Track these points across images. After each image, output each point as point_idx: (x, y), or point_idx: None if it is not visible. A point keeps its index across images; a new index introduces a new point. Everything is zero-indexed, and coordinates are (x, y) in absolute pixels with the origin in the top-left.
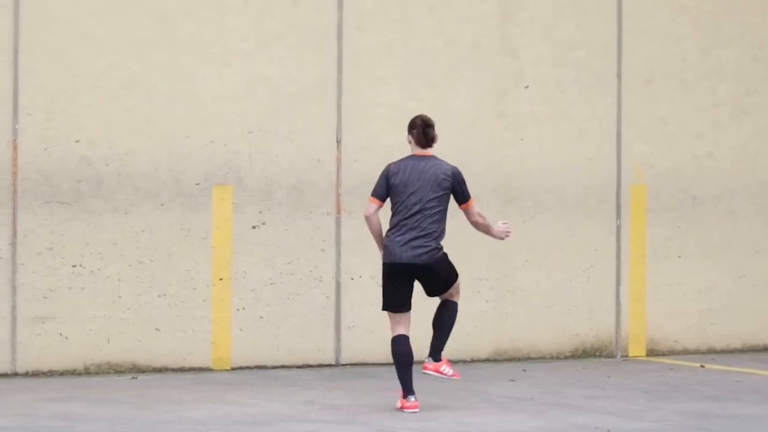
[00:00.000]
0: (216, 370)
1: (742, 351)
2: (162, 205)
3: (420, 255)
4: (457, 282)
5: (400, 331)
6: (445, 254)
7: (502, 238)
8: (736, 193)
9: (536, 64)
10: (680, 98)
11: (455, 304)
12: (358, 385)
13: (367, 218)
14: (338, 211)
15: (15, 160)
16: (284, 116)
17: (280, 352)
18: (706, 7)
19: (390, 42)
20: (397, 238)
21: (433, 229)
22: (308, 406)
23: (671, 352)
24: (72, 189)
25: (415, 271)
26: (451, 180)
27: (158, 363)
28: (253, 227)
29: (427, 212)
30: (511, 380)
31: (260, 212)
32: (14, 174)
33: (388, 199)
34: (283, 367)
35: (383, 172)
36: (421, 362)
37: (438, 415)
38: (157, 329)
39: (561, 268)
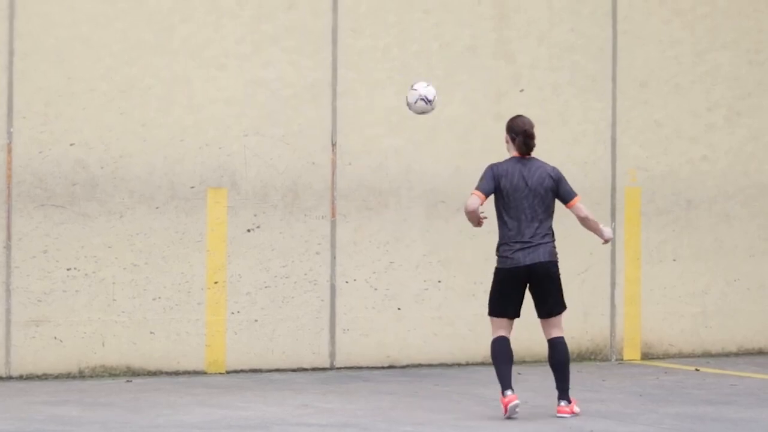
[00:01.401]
0: (210, 374)
1: (737, 354)
2: (157, 208)
3: (540, 255)
4: (563, 311)
5: (502, 333)
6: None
7: (607, 241)
8: (731, 197)
9: (532, 67)
10: (675, 102)
11: (562, 341)
12: (353, 389)
13: (471, 212)
14: (333, 215)
15: (9, 163)
16: (279, 119)
17: (274, 355)
18: (701, 10)
19: (385, 45)
20: (514, 244)
21: (546, 232)
22: (302, 409)
23: (666, 356)
24: (67, 192)
25: (534, 273)
26: (555, 181)
27: (153, 366)
28: (248, 230)
29: (539, 215)
30: None
31: (255, 215)
32: (8, 177)
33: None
34: (277, 370)
35: (489, 172)
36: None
37: (433, 419)
38: (151, 332)
39: None
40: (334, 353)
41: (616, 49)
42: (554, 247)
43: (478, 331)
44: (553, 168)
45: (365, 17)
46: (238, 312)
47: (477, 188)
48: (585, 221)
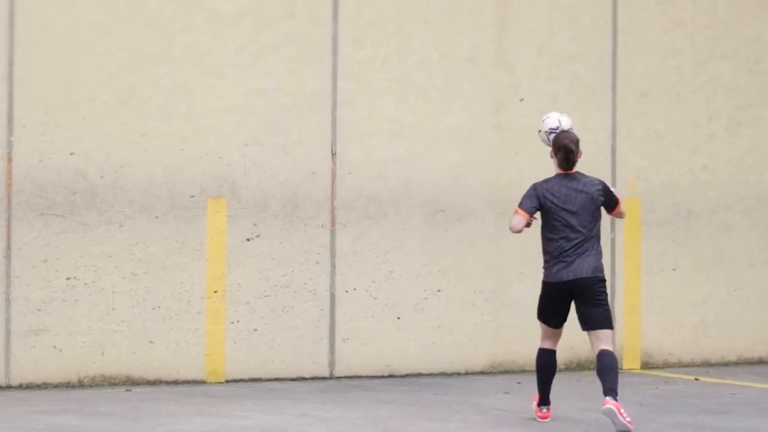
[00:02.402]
0: (210, 383)
1: (736, 364)
2: (156, 217)
3: (584, 270)
4: (611, 328)
5: (547, 345)
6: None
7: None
8: (731, 207)
9: (531, 77)
10: (675, 111)
11: (609, 352)
12: (353, 398)
13: (516, 232)
14: (333, 224)
15: (9, 171)
16: (279, 129)
17: (274, 364)
18: (702, 21)
19: (385, 55)
20: (564, 259)
21: (595, 246)
22: (302, 418)
23: (666, 365)
24: (67, 201)
25: (578, 287)
26: (603, 194)
27: (152, 375)
28: (248, 240)
29: (589, 232)
30: (506, 393)
31: (255, 224)
32: (8, 186)
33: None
34: (277, 379)
35: (534, 191)
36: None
37: (432, 428)
38: (151, 341)
39: None
40: (333, 362)
41: (616, 58)
42: (599, 262)
43: (478, 340)
44: (600, 181)
45: (365, 27)
46: (238, 321)
47: (520, 206)
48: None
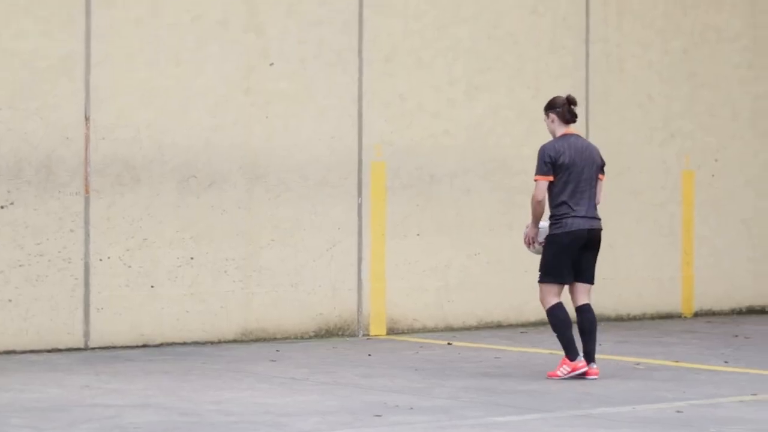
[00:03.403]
0: None
1: (477, 328)
2: None
3: (596, 223)
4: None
5: (556, 300)
6: None
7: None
8: (471, 171)
9: (281, 40)
10: (418, 76)
11: (590, 307)
12: (122, 369)
13: (540, 202)
14: (87, 191)
15: None
16: (33, 92)
17: (29, 336)
18: None
19: (138, 17)
20: (577, 210)
21: (596, 201)
22: (88, 390)
23: (411, 331)
24: None
25: (592, 238)
26: (600, 158)
27: None
28: (2, 207)
29: (592, 188)
30: (273, 360)
31: (9, 191)
32: None
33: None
34: (32, 351)
35: (545, 154)
36: None
37: (227, 396)
38: None
39: (305, 247)
40: (88, 333)
41: (362, 22)
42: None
43: (230, 308)
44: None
45: None
46: None
47: (539, 173)
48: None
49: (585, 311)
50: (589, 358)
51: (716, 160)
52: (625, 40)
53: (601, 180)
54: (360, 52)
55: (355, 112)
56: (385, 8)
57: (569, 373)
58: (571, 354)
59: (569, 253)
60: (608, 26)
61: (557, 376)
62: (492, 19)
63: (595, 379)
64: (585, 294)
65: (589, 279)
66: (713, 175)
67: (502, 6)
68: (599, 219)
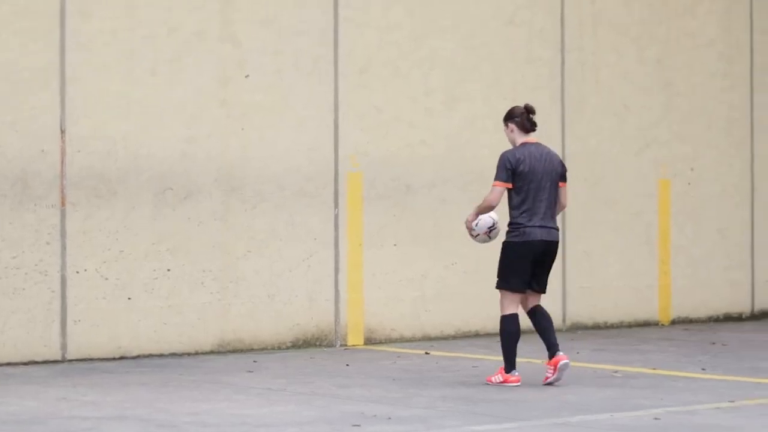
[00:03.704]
0: None
1: (455, 337)
2: None
3: (553, 234)
4: None
5: (515, 310)
6: None
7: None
8: (448, 181)
9: (257, 51)
10: (394, 86)
11: (540, 306)
12: (99, 381)
13: (493, 207)
14: (63, 203)
15: None
16: (9, 105)
17: (6, 348)
18: None
19: (113, 29)
20: (535, 219)
21: (553, 211)
22: (65, 402)
23: (389, 340)
24: None
25: (548, 249)
26: (561, 165)
27: None
28: None
29: (551, 197)
30: (250, 371)
31: None
32: None
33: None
34: (9, 364)
35: (505, 161)
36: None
37: (204, 408)
38: None
39: (282, 258)
40: (65, 345)
41: (338, 34)
42: (557, 228)
43: (206, 319)
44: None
45: (94, 0)
46: None
47: (498, 179)
48: (561, 206)
49: (537, 312)
50: (556, 347)
51: (692, 169)
52: (600, 48)
53: (562, 187)
54: (336, 62)
55: (332, 122)
56: (361, 19)
57: (501, 383)
58: (508, 366)
59: (526, 262)
60: (583, 35)
61: (491, 381)
62: (468, 30)
63: (566, 362)
64: (536, 299)
65: (543, 288)
66: (689, 184)
67: (478, 17)
68: (557, 229)
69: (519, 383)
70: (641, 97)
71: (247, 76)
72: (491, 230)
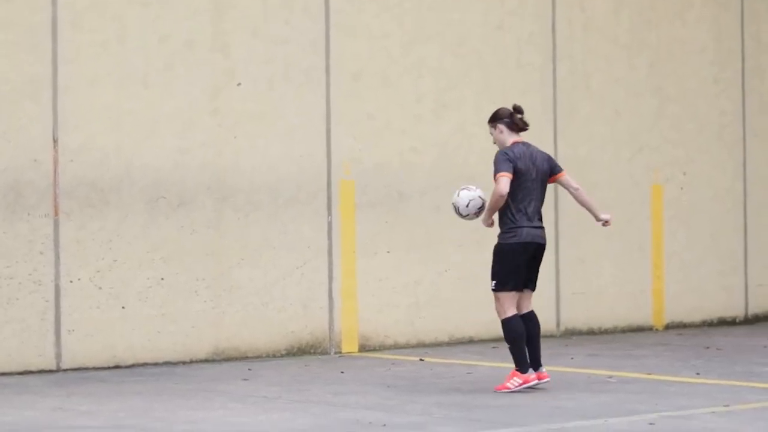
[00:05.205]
0: None
1: (449, 344)
2: None
3: (543, 234)
4: None
5: (515, 311)
6: None
7: (606, 223)
8: (440, 188)
9: (248, 60)
10: (385, 94)
11: (534, 314)
12: (94, 390)
13: (503, 196)
14: (56, 213)
15: None
16: (1, 115)
17: (0, 358)
18: (408, 4)
19: (105, 40)
20: (528, 221)
21: (541, 211)
22: (60, 412)
23: (383, 347)
24: None
25: (539, 250)
26: (549, 162)
27: None
28: None
29: (541, 197)
30: (245, 379)
31: None
32: None
33: None
34: (3, 374)
35: (505, 156)
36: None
37: (199, 416)
38: None
39: (275, 266)
40: (60, 355)
41: (329, 42)
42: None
43: (201, 327)
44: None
45: (85, 11)
46: None
47: (504, 170)
48: (578, 192)
49: (531, 318)
50: (538, 363)
51: (684, 174)
52: (591, 55)
53: (563, 175)
54: (327, 71)
55: (324, 130)
56: (351, 27)
57: (520, 385)
58: (522, 367)
59: (523, 262)
60: (574, 42)
61: (507, 388)
62: (457, 37)
63: (547, 381)
64: (528, 301)
65: (534, 286)
66: (682, 189)
67: (467, 24)
68: (544, 228)
69: (536, 381)
70: (633, 103)
71: (238, 85)
72: (480, 210)
